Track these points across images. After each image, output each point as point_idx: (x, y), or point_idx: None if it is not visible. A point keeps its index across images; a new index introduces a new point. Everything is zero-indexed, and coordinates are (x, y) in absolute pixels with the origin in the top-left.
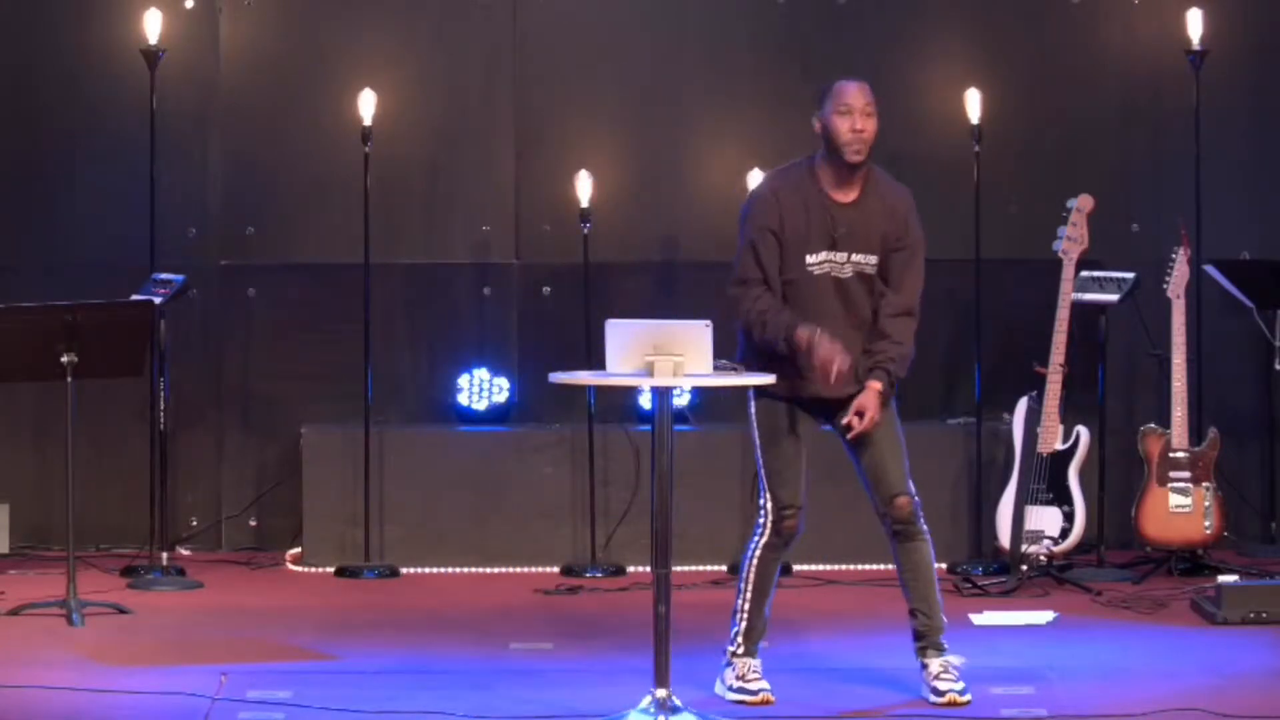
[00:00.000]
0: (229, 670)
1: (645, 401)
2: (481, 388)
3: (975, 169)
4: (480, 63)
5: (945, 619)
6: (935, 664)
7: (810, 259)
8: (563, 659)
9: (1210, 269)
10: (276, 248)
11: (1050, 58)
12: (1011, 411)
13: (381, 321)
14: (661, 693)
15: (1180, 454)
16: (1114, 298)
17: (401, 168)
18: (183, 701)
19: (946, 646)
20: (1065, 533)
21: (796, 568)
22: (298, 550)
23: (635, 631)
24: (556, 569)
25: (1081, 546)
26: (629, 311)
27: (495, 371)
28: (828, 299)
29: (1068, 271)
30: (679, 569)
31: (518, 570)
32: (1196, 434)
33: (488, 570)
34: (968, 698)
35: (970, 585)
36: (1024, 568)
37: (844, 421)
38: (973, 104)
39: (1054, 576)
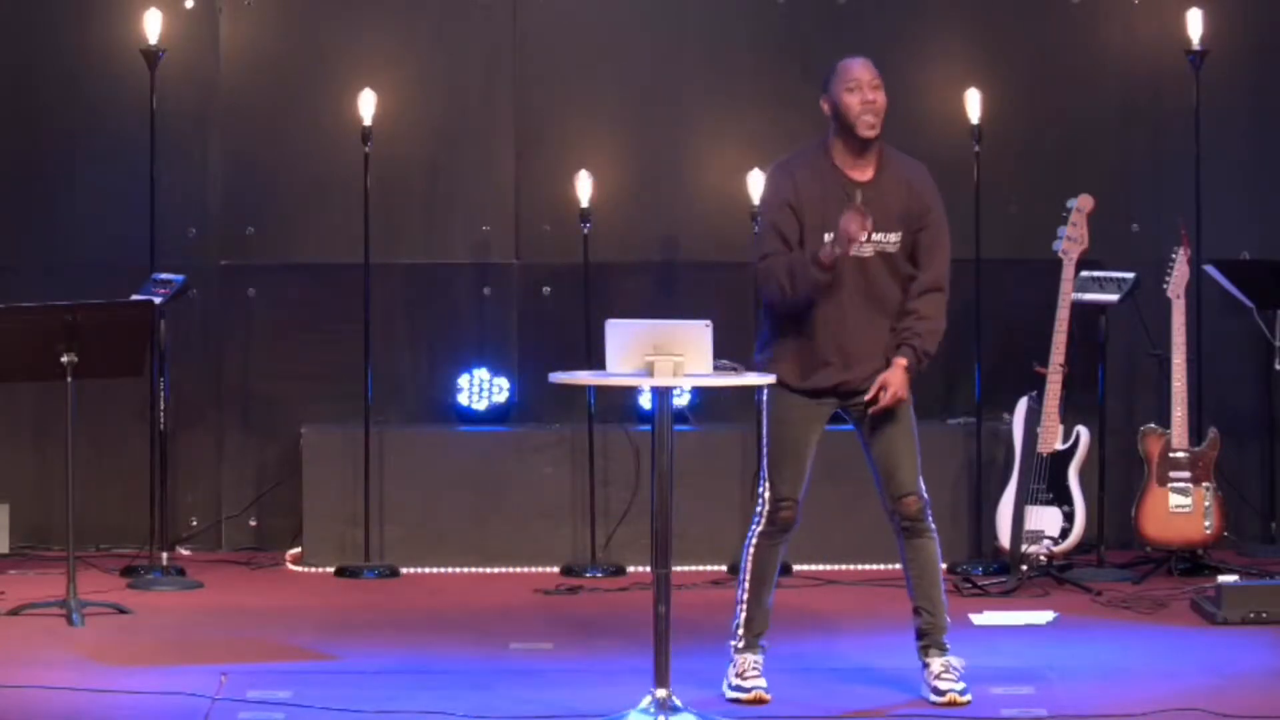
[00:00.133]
0: (229, 670)
1: (645, 401)
2: (481, 388)
3: (975, 169)
4: (480, 63)
5: (949, 619)
6: (937, 664)
7: (829, 238)
8: (563, 659)
9: (1210, 269)
10: (276, 248)
11: (1050, 58)
12: (1011, 411)
13: (381, 321)
14: (661, 693)
15: (1180, 454)
16: (1114, 298)
17: (401, 168)
18: (183, 701)
19: (949, 647)
20: (1065, 533)
21: (796, 568)
22: (298, 550)
23: (635, 631)
24: (556, 569)
25: (1081, 546)
26: (629, 311)
27: (495, 371)
28: (848, 279)
29: (1068, 271)
30: (679, 569)
31: (518, 570)
32: (1196, 434)
33: (488, 570)
34: (968, 698)
35: (970, 585)
36: (1024, 568)
37: (867, 397)
38: (973, 104)
39: (1054, 576)
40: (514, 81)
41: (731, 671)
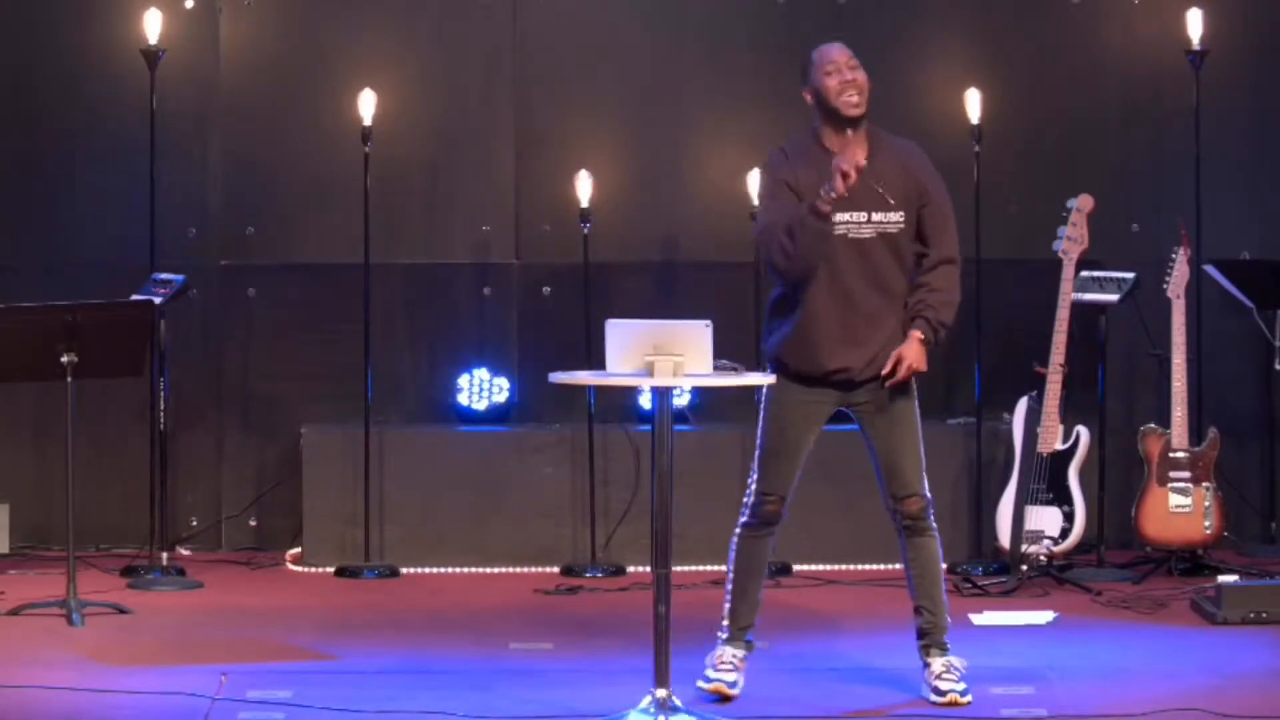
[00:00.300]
0: (229, 670)
1: (645, 401)
2: (481, 388)
3: (975, 169)
4: (480, 63)
5: (950, 619)
6: (938, 663)
7: (825, 188)
8: (563, 659)
9: (1210, 269)
10: (276, 248)
11: (1050, 58)
12: (1011, 411)
13: (381, 321)
14: (661, 693)
15: (1180, 454)
16: (1114, 298)
17: (401, 168)
18: (183, 701)
19: (950, 646)
20: (1065, 533)
21: (796, 568)
22: (298, 550)
23: (635, 631)
24: (556, 569)
25: (1081, 546)
26: (629, 311)
27: (495, 371)
28: (846, 261)
29: (1068, 271)
30: (679, 569)
31: (518, 570)
32: (1196, 434)
33: (488, 570)
34: (969, 698)
35: (970, 585)
36: (1024, 568)
37: (884, 371)
38: (973, 104)
39: (1054, 576)
40: (514, 81)
41: (708, 659)
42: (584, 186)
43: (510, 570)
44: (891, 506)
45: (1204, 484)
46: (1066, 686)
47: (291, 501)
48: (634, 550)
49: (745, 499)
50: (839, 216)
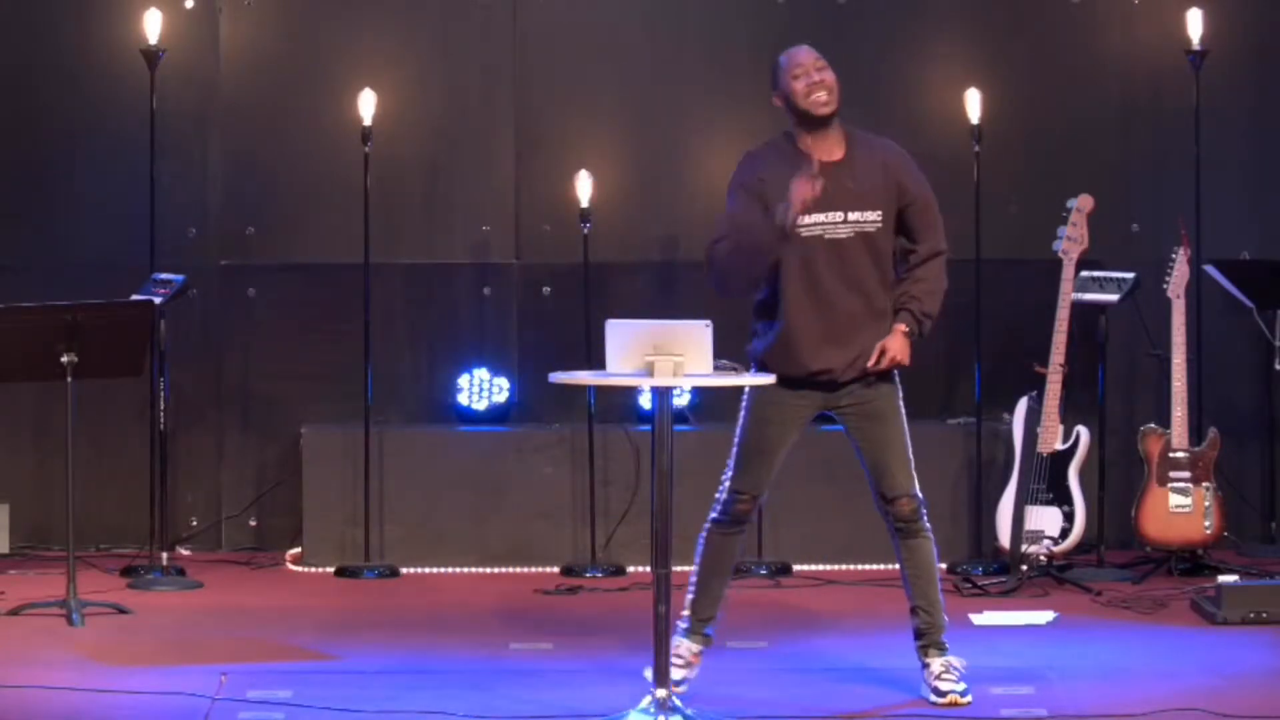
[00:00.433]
0: (229, 670)
1: (645, 401)
2: (481, 388)
3: (975, 169)
4: (480, 63)
5: (947, 618)
6: (937, 664)
7: (801, 220)
8: (563, 659)
9: (1210, 269)
10: (276, 248)
11: (1050, 58)
12: (1011, 411)
13: (381, 321)
14: (661, 693)
15: (1180, 454)
16: (1114, 298)
17: (401, 168)
18: (183, 701)
19: (948, 646)
20: (1065, 533)
21: (796, 568)
22: (298, 550)
23: (635, 631)
24: (556, 569)
25: (1081, 546)
26: (629, 311)
27: (495, 371)
28: (820, 263)
29: (1068, 271)
30: (679, 569)
31: (518, 570)
32: (1196, 434)
33: (488, 570)
34: (969, 699)
35: (970, 585)
36: (1024, 568)
37: (870, 363)
38: (973, 104)
39: (1054, 576)
40: (514, 81)
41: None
42: (584, 186)
43: (510, 570)
44: (883, 509)
45: (1204, 484)
46: (1066, 686)
47: (291, 501)
48: (634, 550)
49: (718, 495)
50: (815, 217)
